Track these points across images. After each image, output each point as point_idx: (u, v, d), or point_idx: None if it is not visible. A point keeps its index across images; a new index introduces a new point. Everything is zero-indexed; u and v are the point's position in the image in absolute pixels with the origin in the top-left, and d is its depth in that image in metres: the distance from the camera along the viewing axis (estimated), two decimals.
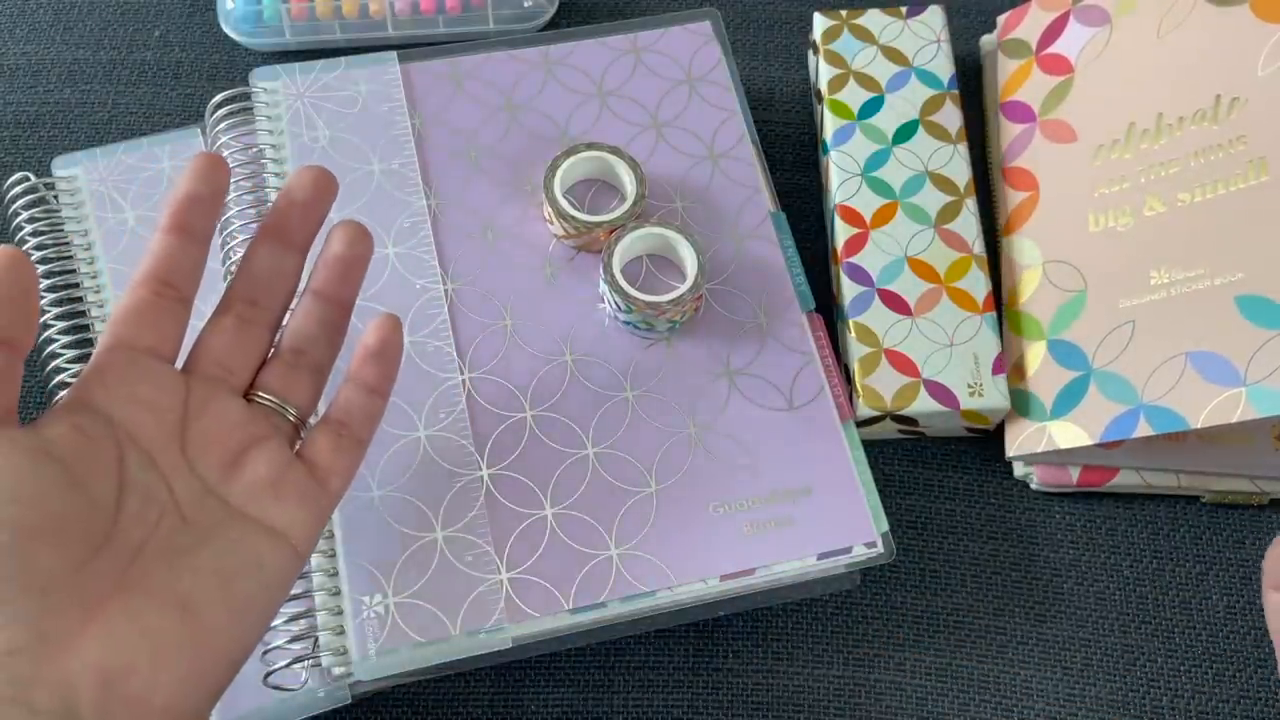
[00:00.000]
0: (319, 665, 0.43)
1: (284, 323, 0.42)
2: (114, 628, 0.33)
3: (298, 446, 0.41)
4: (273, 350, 0.42)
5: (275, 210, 0.41)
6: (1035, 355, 0.51)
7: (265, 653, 0.43)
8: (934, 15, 0.57)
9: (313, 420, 0.42)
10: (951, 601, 0.50)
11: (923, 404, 0.49)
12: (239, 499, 0.37)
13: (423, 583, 0.44)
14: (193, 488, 0.37)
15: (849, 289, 0.51)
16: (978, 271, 0.52)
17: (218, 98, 0.53)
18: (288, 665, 0.43)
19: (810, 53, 0.60)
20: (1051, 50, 0.55)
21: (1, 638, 0.31)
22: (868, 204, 0.53)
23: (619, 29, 0.57)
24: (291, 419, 0.40)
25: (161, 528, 0.35)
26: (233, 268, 0.50)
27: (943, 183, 0.53)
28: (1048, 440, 0.49)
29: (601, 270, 0.49)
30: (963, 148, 0.54)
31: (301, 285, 0.42)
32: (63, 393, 0.41)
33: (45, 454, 0.33)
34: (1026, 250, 0.53)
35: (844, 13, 0.57)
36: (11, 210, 0.53)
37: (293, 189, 0.41)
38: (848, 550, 0.46)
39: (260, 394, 0.40)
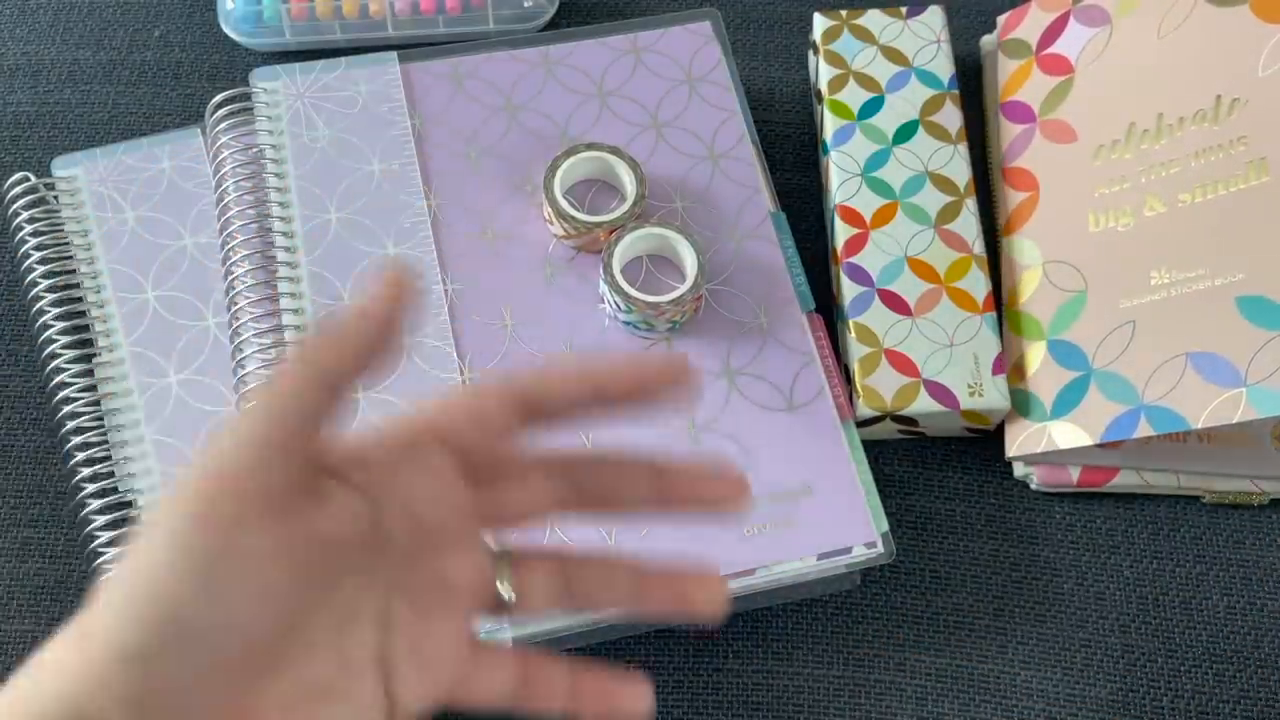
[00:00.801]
0: None
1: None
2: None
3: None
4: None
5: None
6: (1035, 355, 0.51)
7: None
8: (934, 15, 0.57)
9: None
10: (951, 601, 0.50)
11: (923, 404, 0.49)
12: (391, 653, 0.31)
13: None
14: (369, 642, 0.31)
15: (849, 289, 0.51)
16: (978, 271, 0.52)
17: (218, 98, 0.53)
18: None
19: (810, 53, 0.60)
20: (1051, 50, 0.55)
21: None
22: (868, 204, 0.53)
23: (619, 29, 0.57)
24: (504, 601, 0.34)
25: (305, 678, 0.29)
26: (233, 268, 0.50)
27: (943, 183, 0.53)
28: (1048, 440, 0.49)
29: (601, 270, 0.49)
30: (963, 148, 0.54)
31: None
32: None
33: (304, 573, 0.28)
34: (1026, 250, 0.53)
35: (844, 13, 0.57)
36: (11, 210, 0.53)
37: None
38: (848, 550, 0.46)
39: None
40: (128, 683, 0.26)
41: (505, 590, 0.33)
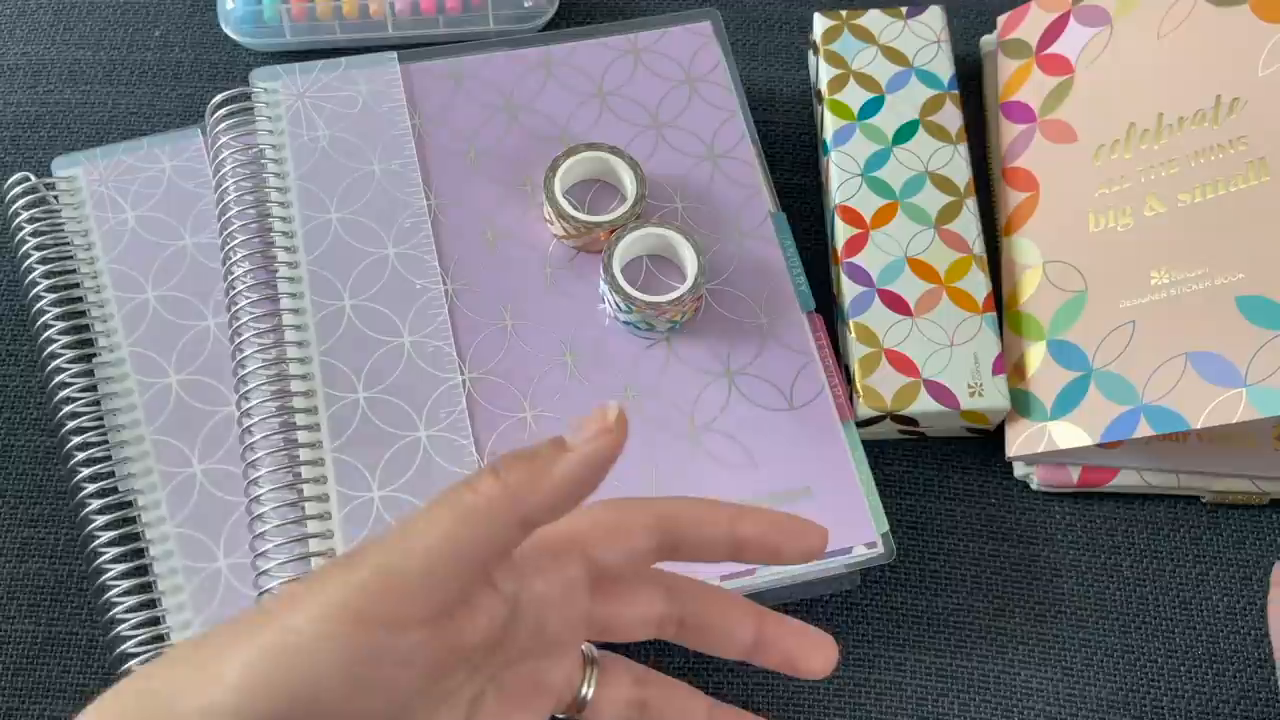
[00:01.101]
0: None
1: None
2: None
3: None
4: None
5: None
6: (1035, 355, 0.51)
7: None
8: (934, 15, 0.57)
9: None
10: (951, 601, 0.50)
11: (923, 404, 0.49)
12: None
13: None
14: None
15: (849, 289, 0.51)
16: (978, 272, 0.52)
17: (218, 98, 0.53)
18: None
19: (810, 53, 0.60)
20: (1051, 50, 0.55)
21: None
22: (868, 204, 0.53)
23: (619, 29, 0.57)
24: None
25: None
26: (233, 268, 0.50)
27: (943, 183, 0.53)
28: (1048, 440, 0.49)
29: (601, 270, 0.49)
30: (963, 148, 0.54)
31: None
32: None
33: (441, 673, 0.29)
34: (1026, 250, 0.53)
35: (844, 13, 0.57)
36: (11, 210, 0.53)
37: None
38: (848, 550, 0.46)
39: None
40: None
41: (587, 692, 0.34)
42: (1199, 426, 0.45)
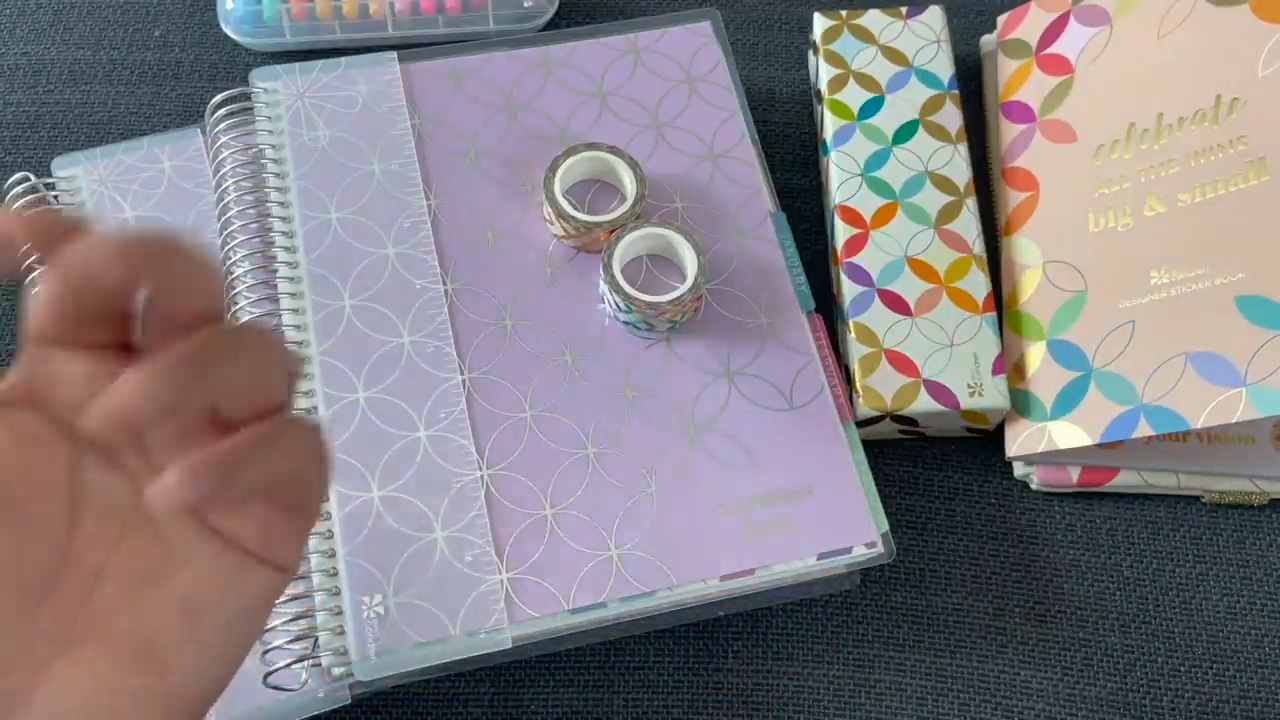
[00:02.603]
0: (319, 665, 0.43)
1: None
2: (68, 687, 0.28)
3: None
4: None
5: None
6: (1035, 355, 0.51)
7: (265, 653, 0.43)
8: (934, 15, 0.57)
9: None
10: (951, 601, 0.50)
11: (923, 404, 0.49)
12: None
13: (423, 583, 0.44)
14: None
15: (849, 289, 0.51)
16: (978, 271, 0.52)
17: (218, 98, 0.53)
18: (287, 665, 0.43)
19: (810, 53, 0.60)
20: (1051, 50, 0.55)
21: None
22: (868, 204, 0.53)
23: (619, 29, 0.57)
24: None
25: (124, 547, 0.29)
26: (233, 268, 0.50)
27: (943, 183, 0.53)
28: (1048, 440, 0.49)
29: (601, 270, 0.49)
30: (963, 148, 0.54)
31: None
32: None
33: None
34: (1026, 250, 0.53)
35: (844, 13, 0.57)
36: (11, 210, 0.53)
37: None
38: (848, 550, 0.46)
39: None
40: None
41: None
42: (1199, 426, 0.45)
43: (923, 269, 0.52)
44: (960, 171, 0.54)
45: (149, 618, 0.29)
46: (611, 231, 0.50)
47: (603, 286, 0.50)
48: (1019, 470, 0.52)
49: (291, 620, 0.43)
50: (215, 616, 0.29)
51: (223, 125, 0.53)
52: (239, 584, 0.30)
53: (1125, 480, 0.50)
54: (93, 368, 0.30)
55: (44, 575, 0.28)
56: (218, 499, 0.29)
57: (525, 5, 0.60)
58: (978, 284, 0.51)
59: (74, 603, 0.28)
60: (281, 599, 0.43)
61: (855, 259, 0.52)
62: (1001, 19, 0.58)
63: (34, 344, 0.30)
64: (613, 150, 0.52)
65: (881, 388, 0.49)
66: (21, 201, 0.53)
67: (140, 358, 0.31)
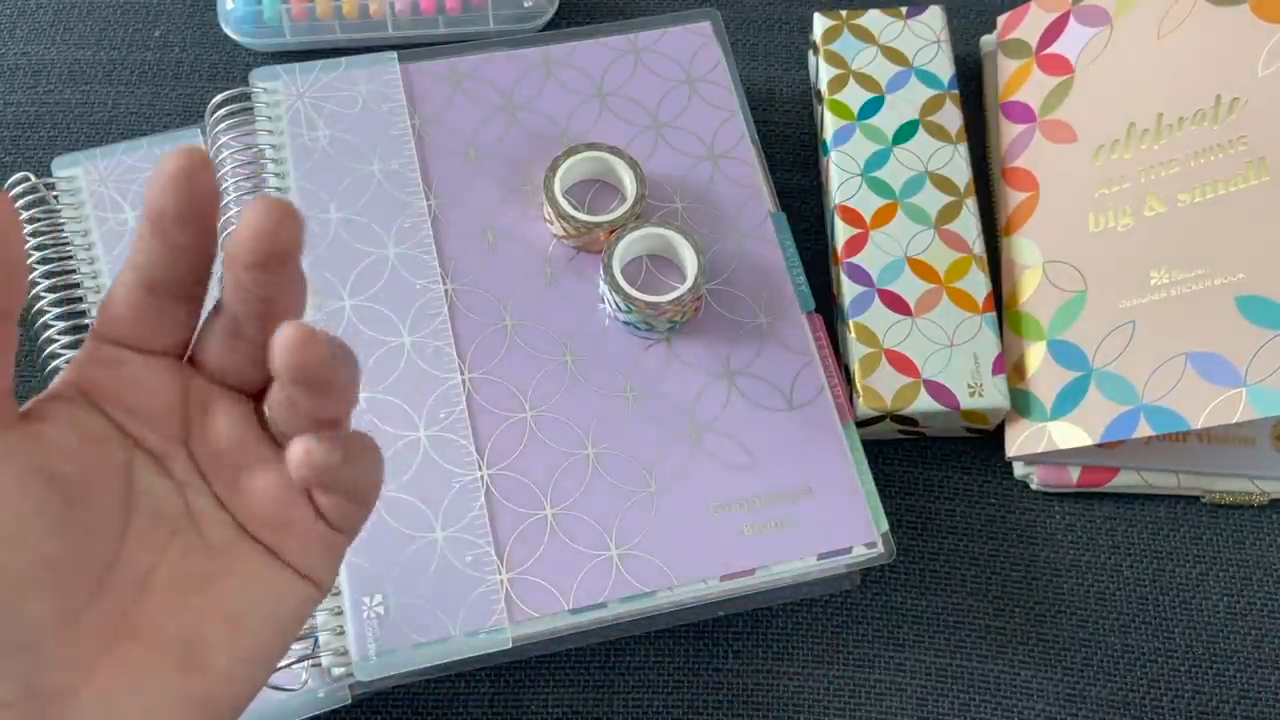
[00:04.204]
0: (318, 665, 0.43)
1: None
2: (111, 686, 0.28)
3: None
4: None
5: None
6: (1035, 355, 0.51)
7: None
8: (934, 15, 0.57)
9: None
10: (951, 601, 0.50)
11: (923, 404, 0.49)
12: (252, 522, 0.32)
13: (423, 583, 0.44)
14: (207, 501, 0.31)
15: (849, 289, 0.51)
16: (978, 272, 0.52)
17: (218, 98, 0.53)
18: (288, 665, 0.43)
19: (810, 53, 0.60)
20: (1051, 50, 0.55)
21: None
22: (868, 204, 0.53)
23: (619, 29, 0.57)
24: None
25: (173, 550, 0.30)
26: None
27: (943, 183, 0.53)
28: (1048, 440, 0.49)
29: (601, 270, 0.49)
30: (963, 148, 0.54)
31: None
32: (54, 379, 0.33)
33: (41, 474, 0.28)
34: (1026, 250, 0.53)
35: (844, 13, 0.57)
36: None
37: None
38: (848, 550, 0.46)
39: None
40: None
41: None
42: (1199, 426, 0.45)
43: (923, 269, 0.52)
44: (960, 172, 0.54)
45: (194, 622, 0.30)
46: (611, 231, 0.50)
47: (603, 286, 0.50)
48: (1019, 470, 0.52)
49: None
50: (256, 624, 0.31)
51: (223, 125, 0.53)
52: (279, 596, 0.31)
53: (1125, 480, 0.50)
54: (156, 374, 0.31)
55: (96, 574, 0.28)
56: (328, 478, 0.30)
57: (525, 5, 0.60)
58: (978, 284, 0.51)
59: (122, 603, 0.29)
60: None
61: (855, 259, 0.52)
62: (1001, 19, 0.58)
63: (98, 340, 0.31)
64: (613, 150, 0.52)
65: (881, 388, 0.49)
66: (23, 202, 0.53)
67: (194, 370, 0.32)
